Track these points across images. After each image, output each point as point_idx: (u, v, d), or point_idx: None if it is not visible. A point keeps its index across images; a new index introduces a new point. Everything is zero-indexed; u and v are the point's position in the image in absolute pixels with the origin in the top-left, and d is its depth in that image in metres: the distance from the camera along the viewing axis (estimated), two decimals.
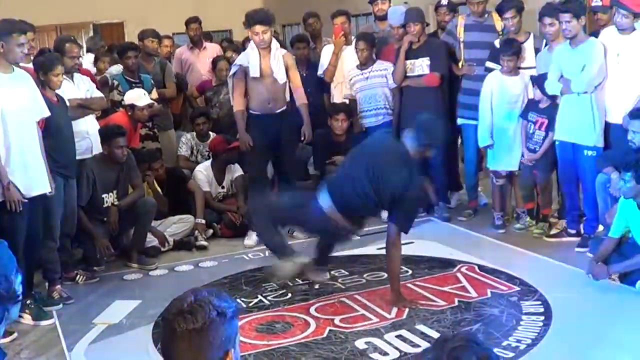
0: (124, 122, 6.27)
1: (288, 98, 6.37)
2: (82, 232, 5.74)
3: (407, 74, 6.63)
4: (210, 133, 7.28)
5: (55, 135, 5.11)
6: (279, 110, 6.27)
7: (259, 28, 6.01)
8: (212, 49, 8.66)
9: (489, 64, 6.32)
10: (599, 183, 5.39)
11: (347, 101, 7.00)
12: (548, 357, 4.04)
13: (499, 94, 6.16)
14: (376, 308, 4.76)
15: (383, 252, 5.88)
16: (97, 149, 5.84)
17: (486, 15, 6.57)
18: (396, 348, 4.19)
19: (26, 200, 4.71)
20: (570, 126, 5.65)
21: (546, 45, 6.07)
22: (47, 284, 5.32)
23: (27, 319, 4.88)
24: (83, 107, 5.79)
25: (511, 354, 4.02)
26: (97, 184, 5.83)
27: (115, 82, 6.99)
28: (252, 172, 6.51)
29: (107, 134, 5.88)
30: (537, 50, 6.18)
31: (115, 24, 15.41)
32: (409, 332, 4.38)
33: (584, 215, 5.86)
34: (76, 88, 5.84)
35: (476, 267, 5.39)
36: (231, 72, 6.36)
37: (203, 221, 6.61)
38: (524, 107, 6.10)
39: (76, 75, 5.96)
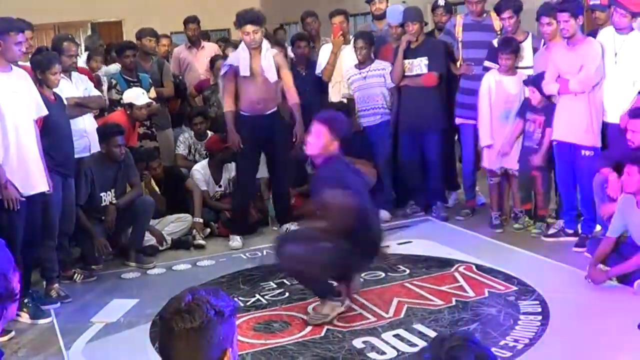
0: (123, 121, 6.27)
1: (280, 99, 6.38)
2: (80, 231, 5.73)
3: (406, 74, 6.63)
4: (208, 132, 7.28)
5: (53, 133, 5.10)
6: (269, 112, 6.28)
7: (249, 28, 6.03)
8: (210, 49, 8.65)
9: (487, 64, 6.32)
10: (596, 183, 5.39)
11: (345, 100, 6.99)
12: (545, 356, 4.05)
13: (496, 94, 6.16)
14: (374, 307, 4.77)
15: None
16: (95, 147, 5.83)
17: (484, 15, 6.57)
18: (394, 347, 4.19)
19: (24, 199, 4.70)
20: (567, 126, 5.65)
21: (544, 44, 6.08)
22: (44, 282, 5.32)
23: (24, 317, 4.88)
24: (81, 106, 5.78)
25: (509, 354, 4.03)
26: (95, 183, 5.84)
27: (114, 81, 6.99)
28: (240, 173, 6.54)
29: (106, 133, 5.88)
30: (535, 50, 6.18)
31: (113, 23, 15.40)
32: (407, 331, 4.38)
33: (581, 215, 5.87)
34: (74, 87, 5.83)
35: (474, 267, 5.39)
36: (221, 72, 6.36)
37: (201, 220, 6.61)
38: (521, 106, 6.10)
39: (74, 74, 5.95)
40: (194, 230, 6.50)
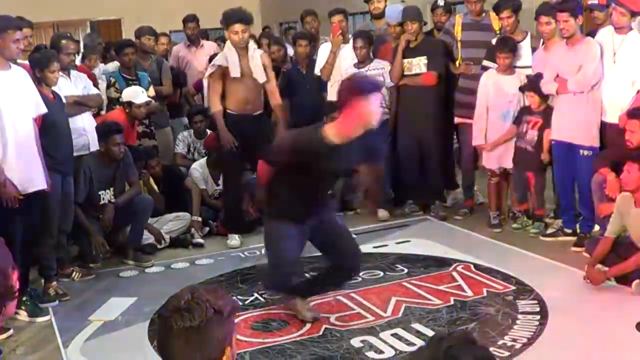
0: (121, 119, 6.26)
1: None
2: (78, 229, 5.74)
3: (405, 73, 6.63)
4: (208, 131, 7.28)
5: (52, 132, 5.10)
6: (256, 113, 6.27)
7: (238, 27, 5.99)
8: (209, 47, 8.63)
9: (485, 63, 6.32)
10: (594, 183, 5.40)
11: None
12: (544, 356, 4.05)
13: (494, 93, 6.17)
14: (372, 306, 4.77)
15: (379, 250, 5.91)
16: (94, 146, 5.83)
17: (483, 15, 6.57)
18: (392, 346, 4.19)
19: (22, 197, 4.70)
20: (566, 126, 5.66)
21: (542, 44, 6.08)
22: (43, 280, 5.31)
23: (22, 315, 4.88)
24: (80, 104, 5.79)
25: (507, 353, 4.03)
26: (94, 181, 5.83)
27: (112, 80, 6.98)
28: (227, 172, 6.50)
29: (104, 131, 5.88)
30: (534, 50, 6.18)
31: (112, 21, 15.41)
32: (405, 330, 4.38)
33: (580, 215, 5.87)
34: (73, 85, 5.83)
35: (472, 266, 5.39)
36: (207, 73, 6.33)
37: (199, 219, 6.61)
38: (517, 113, 6.09)
39: (73, 72, 5.95)
40: (193, 229, 6.49)
